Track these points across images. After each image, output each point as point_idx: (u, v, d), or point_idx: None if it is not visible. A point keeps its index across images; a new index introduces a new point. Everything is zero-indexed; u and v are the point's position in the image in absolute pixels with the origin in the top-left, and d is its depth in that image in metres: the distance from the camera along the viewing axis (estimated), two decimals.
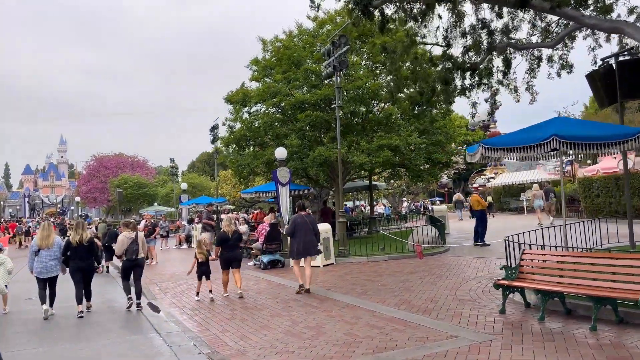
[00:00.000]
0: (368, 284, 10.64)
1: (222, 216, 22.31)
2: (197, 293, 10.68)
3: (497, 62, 13.09)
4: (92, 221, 33.89)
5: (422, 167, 17.14)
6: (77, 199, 45.81)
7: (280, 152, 15.73)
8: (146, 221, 18.91)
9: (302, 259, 10.31)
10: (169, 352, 6.98)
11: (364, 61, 18.98)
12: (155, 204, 55.24)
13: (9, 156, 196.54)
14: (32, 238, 13.93)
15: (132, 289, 10.39)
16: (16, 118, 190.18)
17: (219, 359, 6.47)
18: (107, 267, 17.81)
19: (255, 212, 25.91)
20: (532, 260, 7.53)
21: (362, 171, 19.55)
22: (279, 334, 7.28)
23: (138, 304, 10.12)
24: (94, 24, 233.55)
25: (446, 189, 61.22)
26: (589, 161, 32.26)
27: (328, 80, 17.93)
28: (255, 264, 15.30)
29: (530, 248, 7.84)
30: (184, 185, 29.67)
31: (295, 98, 17.14)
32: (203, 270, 10.60)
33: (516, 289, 7.39)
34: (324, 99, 17.00)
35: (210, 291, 10.56)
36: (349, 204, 44.44)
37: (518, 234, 9.22)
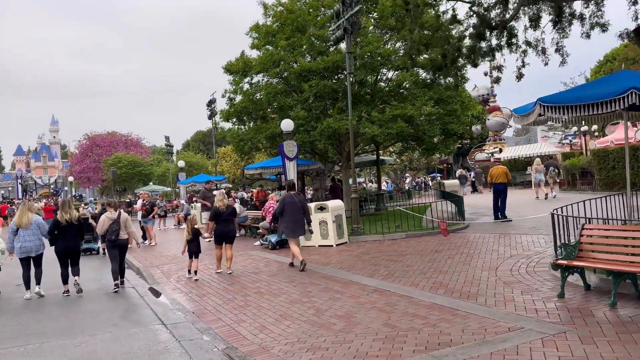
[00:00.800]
0: (392, 264, 9.69)
1: (215, 192, 21.51)
2: (189, 271, 10.59)
3: (524, 21, 11.98)
4: (97, 200, 32.78)
5: (436, 139, 16.06)
6: (71, 179, 44.50)
7: (287, 124, 14.61)
8: (144, 200, 17.83)
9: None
10: (178, 349, 6.00)
11: (372, 26, 17.69)
12: (151, 183, 54.06)
13: (0, 137, 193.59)
14: None
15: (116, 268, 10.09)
16: (6, 97, 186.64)
17: (238, 357, 5.50)
18: (104, 249, 16.79)
19: (254, 190, 24.92)
20: (591, 236, 6.56)
21: (373, 144, 18.45)
22: (304, 325, 6.32)
23: (122, 282, 10.05)
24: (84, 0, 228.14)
25: (445, 165, 60.32)
26: (596, 133, 31.38)
27: (335, 47, 16.77)
28: (262, 244, 14.33)
29: (590, 222, 6.85)
30: (181, 163, 28.49)
31: (301, 66, 15.92)
32: (191, 248, 10.49)
33: (575, 270, 6.43)
34: (332, 67, 15.80)
35: (195, 272, 10.45)
36: (350, 180, 43.53)
37: (562, 207, 8.26)
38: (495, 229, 13.34)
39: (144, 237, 18.44)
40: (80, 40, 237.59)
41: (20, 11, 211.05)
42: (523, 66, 11.97)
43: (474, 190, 35.33)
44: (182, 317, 7.46)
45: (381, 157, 21.91)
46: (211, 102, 27.99)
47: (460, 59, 11.20)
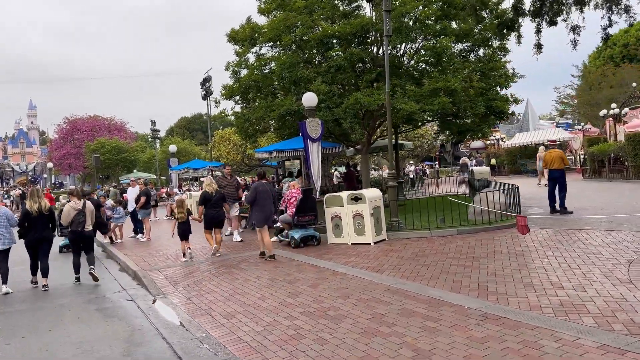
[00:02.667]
0: (469, 272, 7.51)
1: (202, 179, 20.81)
2: (184, 254, 10.65)
3: None
4: (101, 187, 30.01)
5: (470, 120, 13.88)
6: (50, 165, 41.36)
7: (309, 99, 12.28)
8: (140, 189, 15.38)
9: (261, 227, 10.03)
10: None
11: None
12: (135, 170, 51.14)
13: None
14: None
15: (82, 262, 9.63)
16: None
17: None
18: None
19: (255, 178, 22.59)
20: None
21: (407, 124, 16.20)
22: None
23: (92, 268, 9.43)
24: None
25: (438, 153, 58.39)
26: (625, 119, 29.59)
27: (356, 9, 14.45)
28: (280, 240, 12.09)
29: None
30: (172, 148, 25.95)
31: (323, 31, 13.53)
32: (183, 229, 10.62)
33: None
34: (360, 32, 13.47)
35: (184, 254, 10.63)
36: (343, 168, 41.25)
37: None
38: (562, 224, 11.25)
39: (137, 231, 16.06)
40: (59, 23, 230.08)
41: None
42: (610, 25, 9.83)
43: (551, 175, 33.51)
44: (210, 354, 5.21)
45: (400, 141, 19.74)
46: (206, 81, 25.43)
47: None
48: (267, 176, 12.71)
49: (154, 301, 7.78)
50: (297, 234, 11.28)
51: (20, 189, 40.51)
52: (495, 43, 15.07)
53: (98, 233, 14.81)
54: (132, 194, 16.27)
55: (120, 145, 46.81)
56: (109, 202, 15.37)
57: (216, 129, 37.24)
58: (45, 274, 9.19)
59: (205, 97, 25.84)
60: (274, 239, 12.64)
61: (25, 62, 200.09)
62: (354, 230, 10.96)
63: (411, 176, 37.18)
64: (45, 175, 73.84)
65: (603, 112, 27.70)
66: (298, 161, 22.69)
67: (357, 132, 13.40)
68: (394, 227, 11.49)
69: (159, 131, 51.38)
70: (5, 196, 36.27)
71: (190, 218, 10.95)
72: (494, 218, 11.68)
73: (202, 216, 10.72)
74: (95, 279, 9.35)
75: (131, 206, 16.10)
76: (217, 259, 10.66)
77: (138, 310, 7.46)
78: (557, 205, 12.73)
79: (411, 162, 42.16)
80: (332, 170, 34.97)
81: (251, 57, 16.67)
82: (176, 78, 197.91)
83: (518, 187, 12.28)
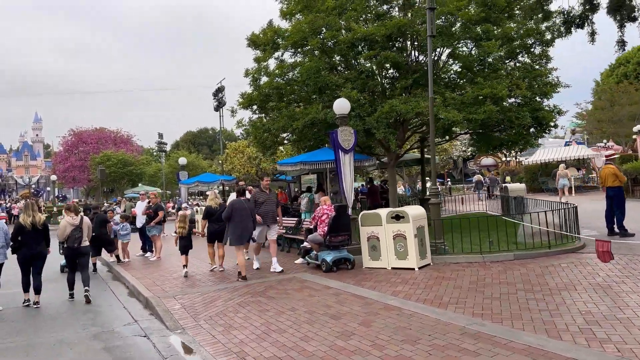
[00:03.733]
0: (561, 310, 6.14)
1: (208, 192, 19.86)
2: (184, 266, 10.70)
3: None
4: (117, 200, 28.75)
5: (523, 130, 12.63)
6: (54, 177, 40.19)
7: (341, 106, 11.08)
8: (150, 202, 14.13)
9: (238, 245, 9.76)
10: None
11: None
12: (140, 184, 49.97)
13: None
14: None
15: (78, 280, 9.19)
16: None
17: None
18: (95, 264, 13.15)
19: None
20: None
21: (443, 135, 14.95)
22: None
23: (86, 291, 9.02)
24: None
25: (446, 170, 57.09)
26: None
27: (389, 10, 13.30)
28: (308, 262, 10.80)
29: None
30: (182, 160, 24.73)
31: (354, 33, 12.38)
32: (184, 244, 10.80)
33: None
34: (396, 33, 12.31)
35: (185, 266, 10.69)
36: (356, 184, 39.99)
37: None
38: (631, 248, 9.89)
39: (146, 249, 14.79)
40: (65, 39, 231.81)
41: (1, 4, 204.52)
42: None
43: (490, 196, 32.61)
44: None
45: (427, 155, 18.49)
46: (219, 91, 24.38)
47: None
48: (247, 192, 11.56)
49: (181, 343, 6.48)
50: (329, 256, 9.99)
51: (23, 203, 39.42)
52: (537, 50, 13.91)
53: (103, 251, 13.61)
54: (140, 208, 15.03)
55: (126, 158, 45.65)
56: (117, 217, 14.15)
57: (236, 140, 35.89)
58: (37, 291, 8.86)
59: (217, 108, 24.76)
60: (300, 260, 11.37)
61: (32, 75, 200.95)
62: (394, 253, 9.67)
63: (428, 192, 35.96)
64: (48, 188, 72.83)
65: (637, 127, 26.49)
66: (314, 176, 21.52)
67: (392, 143, 12.16)
68: (438, 250, 10.18)
69: (165, 144, 50.43)
70: (5, 210, 35.12)
71: (192, 232, 11.27)
72: (545, 240, 10.35)
73: (204, 230, 11.03)
74: (88, 301, 8.92)
75: (140, 222, 14.86)
76: (240, 284, 9.37)
77: (154, 350, 6.16)
78: (615, 226, 11.42)
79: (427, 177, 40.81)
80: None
81: (271, 64, 15.55)
82: (180, 93, 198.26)
83: (576, 207, 10.95)
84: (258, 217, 10.25)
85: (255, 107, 16.26)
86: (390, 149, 15.02)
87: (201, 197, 32.75)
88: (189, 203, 23.97)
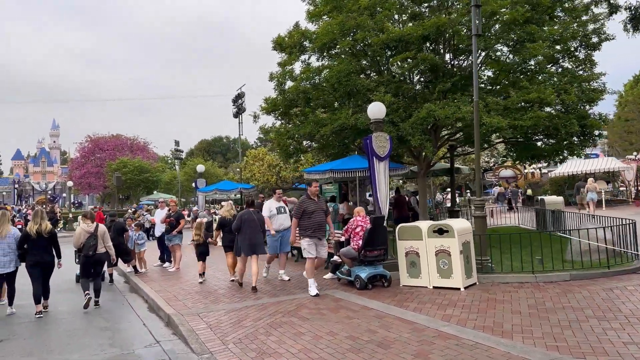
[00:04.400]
0: None
1: (223, 203, 19.45)
2: (200, 275, 10.91)
3: None
4: (142, 207, 28.25)
5: (570, 138, 11.73)
6: (70, 183, 39.87)
7: (376, 110, 10.33)
8: (170, 210, 13.48)
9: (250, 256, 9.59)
10: None
11: None
12: (155, 192, 49.62)
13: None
14: (18, 227, 11.68)
15: (91, 285, 9.18)
16: (7, 101, 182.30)
17: None
18: (111, 274, 12.50)
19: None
20: None
21: (484, 143, 14.08)
22: None
23: (96, 302, 9.16)
24: (87, 6, 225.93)
25: (465, 182, 55.86)
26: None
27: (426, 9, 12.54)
28: (339, 278, 10.01)
29: None
30: (200, 167, 24.12)
31: (388, 33, 11.65)
32: (201, 251, 11.02)
33: None
34: (434, 34, 11.55)
35: (202, 274, 10.92)
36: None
37: None
38: None
39: (164, 259, 14.13)
40: (84, 47, 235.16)
41: (22, 12, 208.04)
42: None
43: (510, 208, 31.60)
44: None
45: (456, 166, 17.67)
46: (239, 97, 23.80)
47: None
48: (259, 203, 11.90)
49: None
50: (363, 273, 9.19)
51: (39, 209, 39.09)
52: (581, 54, 13.06)
53: (120, 261, 12.96)
54: (160, 216, 14.35)
55: (142, 165, 45.28)
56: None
57: (255, 147, 35.24)
58: (45, 297, 8.91)
59: (237, 115, 24.18)
60: (329, 275, 10.59)
61: (52, 85, 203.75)
62: (436, 271, 8.84)
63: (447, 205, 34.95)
64: (64, 195, 73.03)
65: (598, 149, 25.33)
66: (335, 185, 20.75)
67: (429, 151, 11.36)
68: (484, 268, 9.32)
69: (182, 151, 50.10)
70: (18, 216, 34.78)
71: (208, 241, 11.43)
72: (599, 259, 9.43)
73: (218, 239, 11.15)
74: (87, 306, 8.89)
75: (159, 230, 14.20)
76: (268, 301, 8.61)
77: None
78: None
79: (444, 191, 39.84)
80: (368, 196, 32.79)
81: (297, 68, 14.91)
82: (196, 102, 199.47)
83: (634, 223, 10.02)
84: (293, 235, 9.50)
85: (278, 112, 15.63)
86: (420, 158, 14.24)
87: (215, 206, 32.05)
88: (205, 212, 23.32)
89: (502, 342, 5.63)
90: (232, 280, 10.59)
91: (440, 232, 8.86)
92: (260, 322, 7.31)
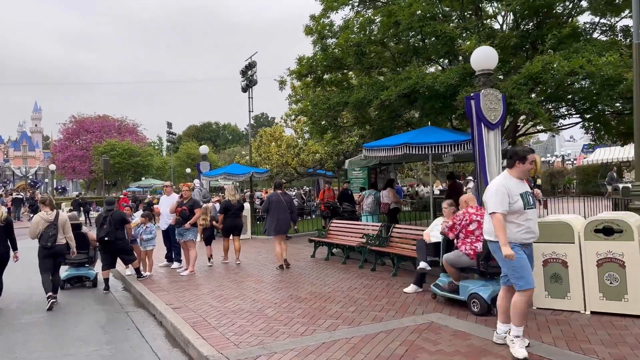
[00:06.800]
0: None
1: (225, 185, 18.79)
2: (209, 258, 10.85)
3: None
4: (162, 192, 24.89)
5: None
6: (52, 167, 36.18)
7: (486, 55, 7.37)
8: (181, 196, 10.44)
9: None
10: None
11: None
12: (143, 178, 46.13)
13: None
14: None
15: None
16: None
17: None
18: (107, 279, 9.35)
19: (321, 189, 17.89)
20: None
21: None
22: None
23: (54, 298, 7.84)
24: None
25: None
26: None
27: None
28: (435, 295, 7.09)
29: None
30: (203, 149, 20.94)
31: None
32: (207, 235, 11.11)
33: None
34: None
35: (209, 258, 10.86)
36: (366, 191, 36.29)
37: None
38: None
39: (172, 258, 11.13)
40: (67, 28, 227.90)
41: None
42: None
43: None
44: None
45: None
46: (249, 68, 20.62)
47: None
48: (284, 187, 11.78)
49: None
50: (485, 292, 6.27)
51: (19, 195, 35.45)
52: None
53: (119, 262, 9.90)
54: (166, 204, 11.25)
55: (132, 148, 41.63)
56: (137, 216, 10.50)
57: (269, 125, 31.88)
58: None
59: (246, 89, 21.02)
60: (411, 288, 7.68)
61: (34, 67, 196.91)
62: (598, 289, 5.96)
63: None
64: (47, 180, 69.11)
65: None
66: (363, 170, 17.84)
67: (543, 117, 8.46)
68: None
69: (175, 134, 46.64)
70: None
71: (214, 225, 11.34)
72: None
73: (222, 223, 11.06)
74: (51, 308, 7.67)
75: (165, 223, 11.14)
76: (359, 342, 5.66)
77: None
78: None
79: (469, 177, 37.17)
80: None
81: (337, 20, 11.87)
82: (183, 85, 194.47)
83: None
84: None
85: (312, 77, 12.65)
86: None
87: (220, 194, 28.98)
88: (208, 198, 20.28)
89: None
90: (224, 263, 10.95)
91: (607, 232, 5.96)
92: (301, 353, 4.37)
